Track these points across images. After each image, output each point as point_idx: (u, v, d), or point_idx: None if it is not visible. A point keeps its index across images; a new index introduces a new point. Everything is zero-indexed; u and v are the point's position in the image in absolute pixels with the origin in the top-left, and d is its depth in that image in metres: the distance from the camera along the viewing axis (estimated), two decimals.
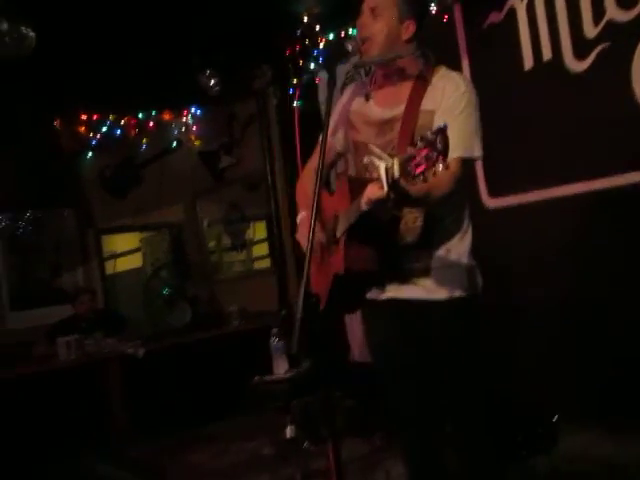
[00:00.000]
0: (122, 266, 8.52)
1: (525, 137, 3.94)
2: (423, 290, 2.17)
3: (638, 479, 3.05)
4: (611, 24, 3.45)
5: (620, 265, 3.49)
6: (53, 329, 5.37)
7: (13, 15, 3.68)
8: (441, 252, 2.17)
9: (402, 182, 1.67)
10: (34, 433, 4.32)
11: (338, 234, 2.15)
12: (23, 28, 3.64)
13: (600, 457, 3.28)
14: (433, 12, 4.22)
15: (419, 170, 1.60)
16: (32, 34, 3.71)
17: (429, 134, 1.59)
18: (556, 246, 3.80)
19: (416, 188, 1.72)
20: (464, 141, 2.06)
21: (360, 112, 2.29)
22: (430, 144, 1.58)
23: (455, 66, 4.06)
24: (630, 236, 3.42)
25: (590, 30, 3.55)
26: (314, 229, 1.91)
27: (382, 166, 1.69)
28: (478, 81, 4.09)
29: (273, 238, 6.37)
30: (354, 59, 2.31)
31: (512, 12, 3.92)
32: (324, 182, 2.41)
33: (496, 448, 2.30)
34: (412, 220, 2.12)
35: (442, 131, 1.57)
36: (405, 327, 2.23)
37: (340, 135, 2.38)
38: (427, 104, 2.11)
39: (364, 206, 1.88)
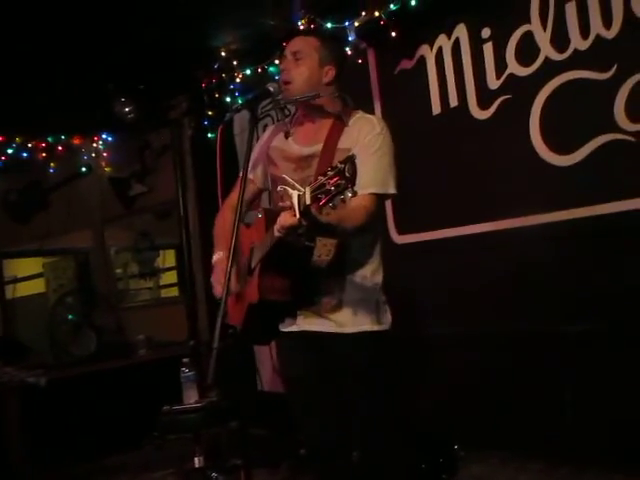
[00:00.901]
0: (24, 291, 8.22)
1: (431, 178, 4.14)
2: (334, 324, 2.26)
3: None
4: (512, 77, 3.70)
5: (514, 299, 3.72)
6: None
7: None
8: (352, 286, 2.26)
9: (313, 210, 1.74)
10: None
11: (253, 264, 2.22)
12: None
13: None
14: (348, 54, 4.41)
15: (328, 197, 1.69)
16: None
17: (339, 163, 1.69)
18: (459, 281, 4.00)
19: (327, 217, 1.80)
20: (378, 178, 2.19)
21: (280, 148, 2.39)
22: (339, 172, 1.68)
23: (368, 107, 4.26)
24: (531, 271, 3.64)
25: (493, 82, 3.80)
26: (231, 264, 1.98)
27: (295, 194, 1.76)
28: (389, 123, 4.34)
29: (183, 267, 6.33)
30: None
31: (422, 60, 4.13)
32: (242, 218, 2.49)
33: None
34: (325, 252, 2.21)
35: (351, 159, 1.68)
36: (315, 359, 2.31)
37: (259, 171, 2.47)
38: (344, 143, 2.23)
39: (277, 233, 1.93)
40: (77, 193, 7.02)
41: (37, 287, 8.24)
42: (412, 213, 4.28)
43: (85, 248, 7.43)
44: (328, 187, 1.69)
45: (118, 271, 7.37)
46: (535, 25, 3.56)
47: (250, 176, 2.47)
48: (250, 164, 2.47)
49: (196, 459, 3.45)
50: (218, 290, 2.25)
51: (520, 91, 3.67)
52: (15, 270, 8.24)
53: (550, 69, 3.52)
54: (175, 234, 6.25)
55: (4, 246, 6.82)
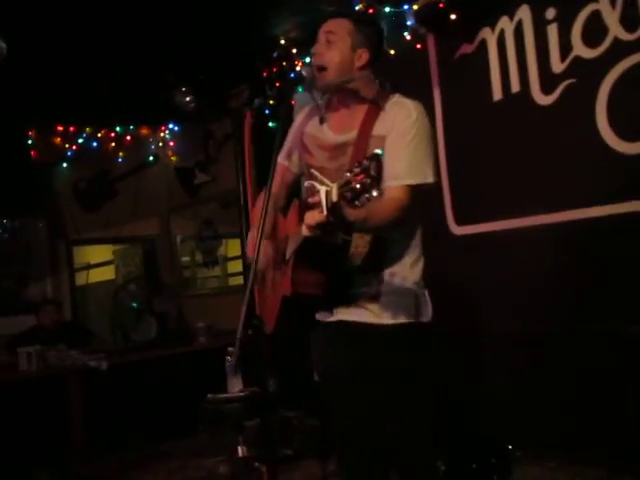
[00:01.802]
0: (95, 277, 8.46)
1: (493, 166, 3.99)
2: (371, 314, 2.17)
3: None
4: (577, 60, 3.52)
5: (587, 297, 3.52)
6: (14, 339, 5.30)
7: None
8: (391, 278, 2.17)
9: (341, 207, 1.68)
10: None
11: (287, 256, 2.16)
12: None
13: None
14: (407, 39, 4.29)
15: (354, 195, 1.62)
16: (3, 45, 3.70)
17: (365, 160, 1.61)
18: (521, 275, 3.83)
19: (355, 213, 1.73)
20: (414, 168, 2.08)
21: (314, 135, 2.31)
22: (364, 170, 1.61)
23: (427, 94, 4.16)
24: (595, 267, 3.45)
25: (557, 65, 3.61)
26: (259, 252, 1.92)
27: (323, 190, 1.70)
28: (449, 110, 4.23)
29: (246, 256, 6.37)
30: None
31: (483, 44, 3.98)
32: (283, 206, 2.43)
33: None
34: (362, 245, 2.13)
35: (376, 158, 1.60)
36: (350, 349, 2.22)
37: (295, 157, 2.40)
38: (379, 130, 2.14)
39: (304, 231, 1.88)
40: (144, 182, 7.16)
41: (108, 274, 8.48)
42: (472, 203, 4.14)
43: (152, 236, 7.57)
44: (354, 184, 1.63)
45: (185, 259, 7.49)
46: (603, 4, 3.36)
47: (285, 163, 2.41)
48: (285, 151, 2.41)
49: (239, 448, 3.42)
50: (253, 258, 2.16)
51: (586, 75, 3.48)
52: (88, 257, 8.49)
53: (619, 50, 3.32)
54: (238, 223, 6.28)
55: (74, 234, 7.01)
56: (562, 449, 3.58)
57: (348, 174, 1.63)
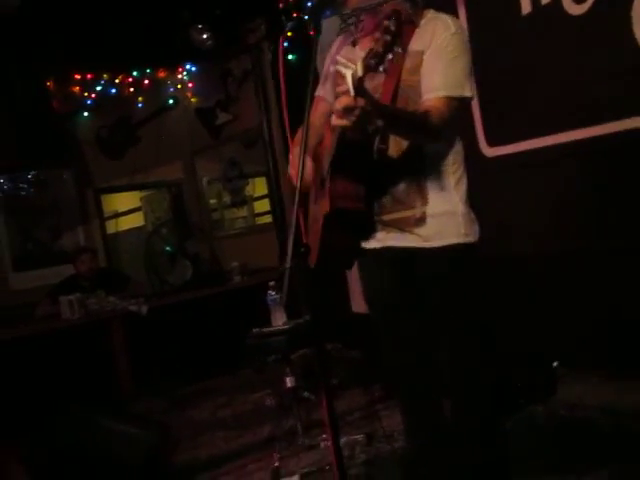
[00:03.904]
0: (124, 225, 8.54)
1: (524, 84, 3.87)
2: (419, 238, 2.14)
3: (637, 426, 3.06)
4: None
5: (622, 215, 3.45)
6: (55, 289, 5.39)
7: None
8: (435, 199, 2.13)
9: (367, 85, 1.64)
10: (38, 392, 4.36)
11: (325, 173, 2.12)
12: None
13: (600, 404, 3.29)
14: None
15: (378, 59, 1.61)
16: None
17: (385, 21, 1.61)
18: (556, 196, 3.76)
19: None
20: (451, 80, 2.02)
21: (347, 58, 2.24)
22: (385, 29, 1.59)
23: (451, 12, 4.00)
24: (633, 184, 3.37)
25: None
26: (302, 170, 1.86)
27: (348, 72, 1.62)
28: (475, 28, 4.08)
29: (273, 194, 6.35)
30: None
31: None
32: (321, 135, 2.37)
33: (494, 398, 2.29)
34: (399, 151, 2.08)
35: (395, 13, 1.57)
36: (401, 275, 2.21)
37: (329, 85, 2.34)
38: (415, 45, 2.07)
39: (335, 121, 1.76)
40: (166, 126, 7.11)
41: (137, 220, 8.53)
42: (504, 123, 4.03)
43: (178, 180, 7.57)
44: (377, 49, 1.61)
45: (212, 201, 7.50)
46: None
47: (320, 93, 2.35)
48: (321, 79, 2.34)
49: (287, 379, 3.49)
50: (295, 179, 2.10)
51: None
52: (116, 205, 8.53)
53: None
54: (263, 161, 6.25)
55: (101, 182, 7.03)
56: (606, 365, 3.58)
57: (372, 43, 1.60)
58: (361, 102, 1.65)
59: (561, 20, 3.61)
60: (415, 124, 1.93)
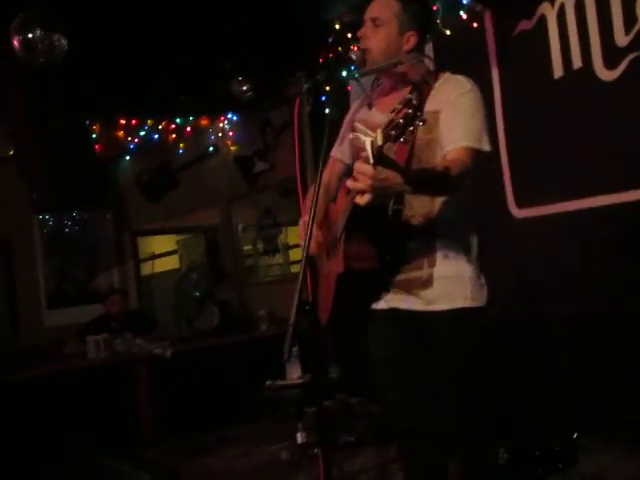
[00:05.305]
0: (160, 267, 8.64)
1: (555, 146, 3.86)
2: (424, 301, 2.14)
3: None
4: None
5: None
6: (84, 328, 5.47)
7: (46, 22, 3.75)
8: (443, 261, 2.13)
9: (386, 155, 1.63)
10: (59, 429, 4.39)
11: (338, 233, 2.13)
12: (55, 35, 3.71)
13: (624, 477, 3.19)
14: (463, 18, 4.19)
15: (399, 131, 1.60)
16: (64, 41, 3.78)
17: (407, 94, 1.61)
18: (585, 259, 3.71)
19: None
20: (471, 133, 2.03)
21: (363, 119, 2.28)
22: (407, 103, 1.58)
23: (484, 74, 4.05)
24: None
25: (621, 38, 3.45)
26: (311, 234, 1.90)
27: (367, 140, 1.63)
28: (508, 91, 4.11)
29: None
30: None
31: (542, 19, 3.85)
32: (334, 197, 2.40)
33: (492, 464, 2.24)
34: (414, 215, 2.10)
35: (418, 87, 1.58)
36: (406, 338, 2.20)
37: (345, 147, 2.37)
38: (431, 105, 2.08)
39: (351, 184, 1.76)
40: (205, 172, 7.25)
41: (173, 263, 8.64)
42: (534, 185, 4.02)
43: (214, 225, 7.67)
44: (397, 121, 1.61)
45: (246, 248, 7.56)
46: None
47: (337, 155, 2.38)
48: (337, 141, 2.39)
49: (299, 435, 3.46)
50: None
51: None
52: (153, 247, 8.67)
53: None
54: (297, 211, 6.29)
55: (138, 224, 7.16)
56: (630, 437, 3.45)
57: (391, 114, 1.60)
58: (381, 173, 1.67)
59: (592, 85, 3.62)
60: (438, 181, 1.91)
